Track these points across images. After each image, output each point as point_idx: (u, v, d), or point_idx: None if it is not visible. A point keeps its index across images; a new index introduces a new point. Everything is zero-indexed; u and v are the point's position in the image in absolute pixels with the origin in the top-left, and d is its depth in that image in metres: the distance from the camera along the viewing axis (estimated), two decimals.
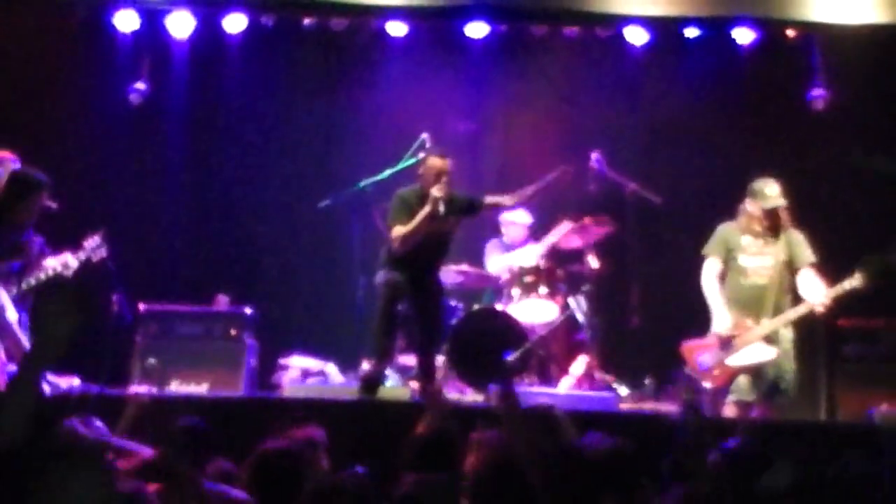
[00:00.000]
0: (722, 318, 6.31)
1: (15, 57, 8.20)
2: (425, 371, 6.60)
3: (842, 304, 6.30)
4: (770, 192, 6.36)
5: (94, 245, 6.17)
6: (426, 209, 6.47)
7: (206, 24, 8.30)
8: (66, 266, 6.04)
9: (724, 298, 6.39)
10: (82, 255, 6.14)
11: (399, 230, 6.51)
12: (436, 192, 6.49)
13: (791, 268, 6.38)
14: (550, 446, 4.14)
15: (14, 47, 8.20)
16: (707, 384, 6.35)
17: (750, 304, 6.36)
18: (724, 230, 6.52)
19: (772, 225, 6.39)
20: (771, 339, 6.28)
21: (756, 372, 6.28)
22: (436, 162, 6.62)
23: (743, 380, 6.28)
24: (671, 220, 8.19)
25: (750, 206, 6.41)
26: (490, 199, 6.99)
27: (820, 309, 6.19)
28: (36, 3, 8.15)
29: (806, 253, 6.39)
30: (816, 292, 6.21)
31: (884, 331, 7.19)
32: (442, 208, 6.50)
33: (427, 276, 6.66)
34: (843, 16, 7.93)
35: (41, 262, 6.13)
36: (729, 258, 6.46)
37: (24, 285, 6.02)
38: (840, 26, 7.97)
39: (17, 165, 6.61)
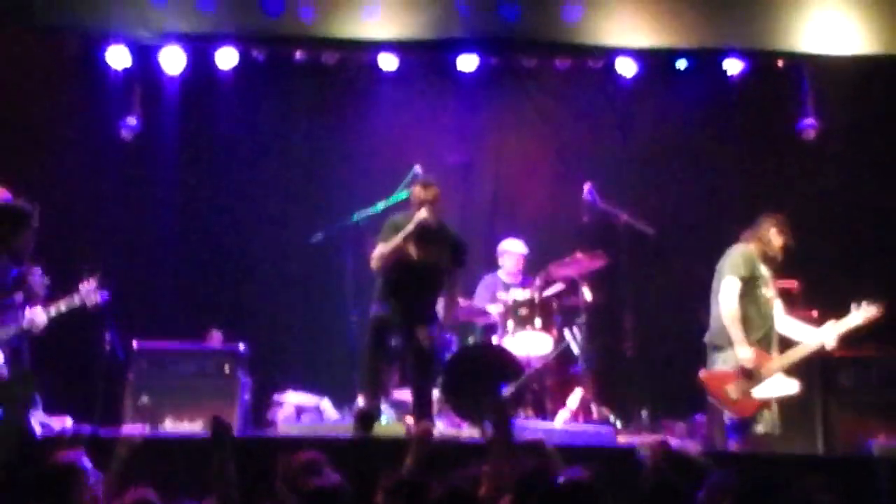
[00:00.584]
0: (745, 349, 6.21)
1: (6, 92, 8.18)
2: (420, 406, 6.54)
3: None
4: (786, 228, 6.40)
5: (88, 289, 6.12)
6: (409, 227, 6.43)
7: (198, 60, 8.30)
8: (32, 322, 6.00)
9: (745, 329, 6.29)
10: (76, 300, 6.10)
11: (380, 248, 6.48)
12: (421, 213, 6.46)
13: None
14: (539, 479, 4.14)
15: (5, 82, 8.19)
16: (732, 414, 6.28)
17: (763, 335, 6.33)
18: (747, 253, 6.39)
19: (776, 260, 6.41)
20: (790, 371, 6.27)
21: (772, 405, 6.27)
22: (419, 191, 6.62)
23: (768, 413, 6.24)
24: (664, 250, 8.19)
25: (775, 238, 6.38)
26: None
27: (832, 345, 6.24)
28: (28, 38, 8.12)
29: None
30: (813, 329, 6.24)
31: (876, 358, 7.19)
32: (426, 225, 6.43)
33: (418, 308, 6.60)
34: (831, 46, 7.97)
35: (42, 293, 6.11)
36: (751, 285, 6.35)
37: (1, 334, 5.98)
38: (828, 57, 8.03)
39: (8, 198, 6.59)
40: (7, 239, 6.07)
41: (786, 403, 6.37)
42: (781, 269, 6.49)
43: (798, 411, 6.70)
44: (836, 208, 8.38)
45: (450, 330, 7.73)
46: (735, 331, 6.22)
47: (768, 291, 6.38)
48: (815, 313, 6.81)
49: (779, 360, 6.23)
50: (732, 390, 6.21)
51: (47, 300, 6.09)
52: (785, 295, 6.76)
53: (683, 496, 3.77)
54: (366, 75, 8.62)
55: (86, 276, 6.12)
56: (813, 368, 6.93)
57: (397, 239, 6.44)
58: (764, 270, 6.39)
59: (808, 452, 6.81)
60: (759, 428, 6.22)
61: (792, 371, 6.35)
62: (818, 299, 6.91)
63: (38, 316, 6.00)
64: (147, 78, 8.38)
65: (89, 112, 8.45)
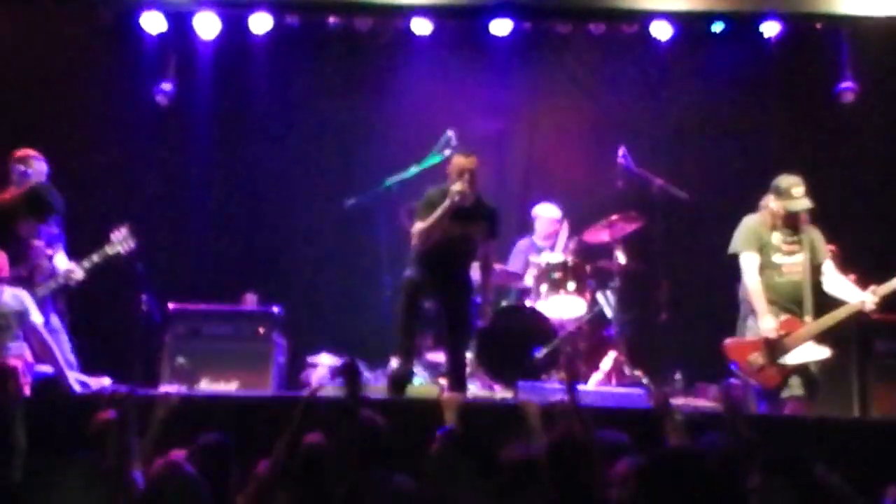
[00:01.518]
0: (768, 322, 6.20)
1: (43, 59, 8.28)
2: (454, 369, 6.57)
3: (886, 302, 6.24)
4: (797, 192, 6.24)
5: (121, 237, 6.22)
6: (445, 203, 6.41)
7: (232, 25, 8.32)
8: (70, 274, 6.13)
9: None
10: (109, 250, 6.20)
11: (419, 225, 6.47)
12: (456, 187, 6.43)
13: (813, 264, 6.33)
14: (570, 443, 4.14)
15: (42, 49, 8.28)
16: (756, 383, 6.25)
17: (789, 301, 6.28)
18: (753, 225, 6.39)
19: (791, 224, 6.32)
20: (821, 337, 6.23)
21: (805, 373, 6.23)
22: (460, 160, 6.58)
23: (794, 378, 6.22)
24: (699, 216, 8.14)
25: (774, 204, 6.31)
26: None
27: (871, 307, 6.14)
28: (63, 5, 8.19)
29: (822, 252, 6.34)
30: (860, 291, 6.16)
31: None
32: (464, 202, 6.41)
33: (453, 273, 6.60)
34: (871, 8, 7.85)
35: (49, 266, 6.22)
36: (762, 255, 6.33)
37: (39, 292, 6.09)
38: (868, 18, 7.90)
39: (42, 163, 6.68)
40: (20, 219, 6.17)
41: (822, 369, 6.32)
42: (797, 228, 6.33)
43: (834, 377, 6.65)
44: (876, 171, 8.28)
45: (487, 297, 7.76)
46: (758, 302, 6.22)
47: (783, 258, 6.31)
48: (852, 277, 6.74)
49: (810, 326, 6.17)
50: (755, 359, 6.20)
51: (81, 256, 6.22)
52: None
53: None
54: (399, 40, 8.60)
55: (115, 225, 6.19)
56: (849, 334, 6.87)
57: (437, 215, 6.39)
58: (773, 237, 6.32)
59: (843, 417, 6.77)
60: (786, 392, 6.19)
61: (828, 337, 6.30)
62: (858, 263, 6.82)
63: (74, 270, 6.13)
64: (182, 43, 8.40)
65: (124, 78, 8.52)
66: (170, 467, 4.09)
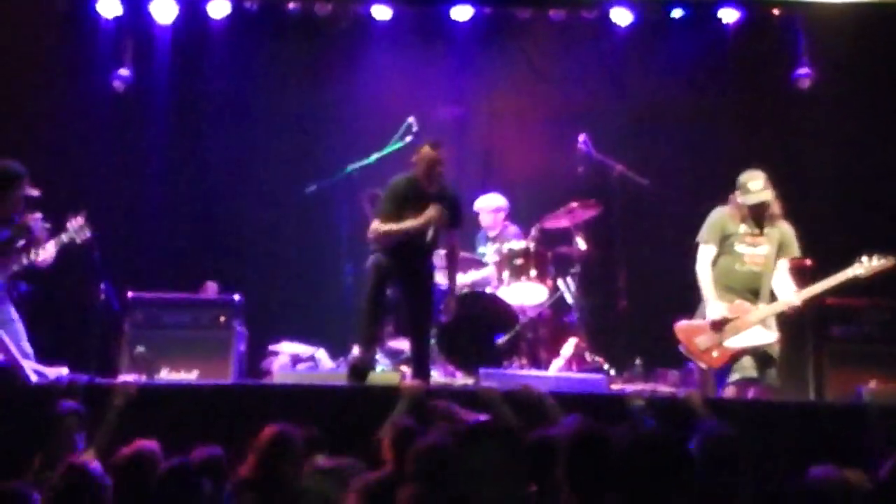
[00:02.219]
0: (715, 307, 6.35)
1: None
2: (418, 357, 6.56)
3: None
4: (753, 186, 6.38)
5: (76, 226, 6.13)
6: (418, 222, 6.35)
7: (190, 10, 8.25)
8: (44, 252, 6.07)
9: (718, 283, 6.41)
10: (65, 238, 6.12)
11: (381, 226, 6.37)
12: (433, 213, 6.35)
13: (777, 258, 6.43)
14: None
15: None
16: (703, 365, 6.41)
17: (746, 289, 6.42)
18: (720, 217, 6.51)
19: (757, 217, 6.42)
20: (766, 323, 6.35)
21: (756, 353, 6.33)
22: (429, 152, 6.54)
23: (747, 360, 6.33)
24: (658, 201, 8.19)
25: (738, 199, 6.44)
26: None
27: (796, 306, 6.26)
28: None
29: (791, 248, 6.45)
30: (791, 291, 6.30)
31: (869, 310, 7.21)
32: (431, 233, 6.39)
33: (416, 259, 6.58)
34: None
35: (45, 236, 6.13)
36: (725, 244, 6.45)
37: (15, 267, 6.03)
38: (824, 4, 7.98)
39: None
40: None
41: (779, 353, 6.42)
42: (762, 223, 6.43)
43: (790, 360, 6.74)
44: (833, 157, 8.37)
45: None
46: (706, 290, 6.40)
47: (746, 248, 6.43)
48: (808, 262, 6.82)
49: (756, 312, 6.31)
50: (702, 342, 6.36)
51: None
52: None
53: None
54: (359, 26, 8.57)
55: (72, 214, 6.11)
56: (805, 318, 6.96)
57: (399, 228, 6.34)
58: (741, 228, 6.44)
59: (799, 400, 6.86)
60: (735, 374, 6.30)
61: (781, 320, 6.41)
62: (814, 250, 6.91)
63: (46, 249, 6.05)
64: (138, 28, 8.33)
65: (81, 64, 8.42)
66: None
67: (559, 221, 7.79)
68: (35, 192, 6.21)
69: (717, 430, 4.16)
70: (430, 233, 6.40)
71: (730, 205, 6.50)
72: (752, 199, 6.37)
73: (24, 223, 6.11)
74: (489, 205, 8.11)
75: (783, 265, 6.43)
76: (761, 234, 6.44)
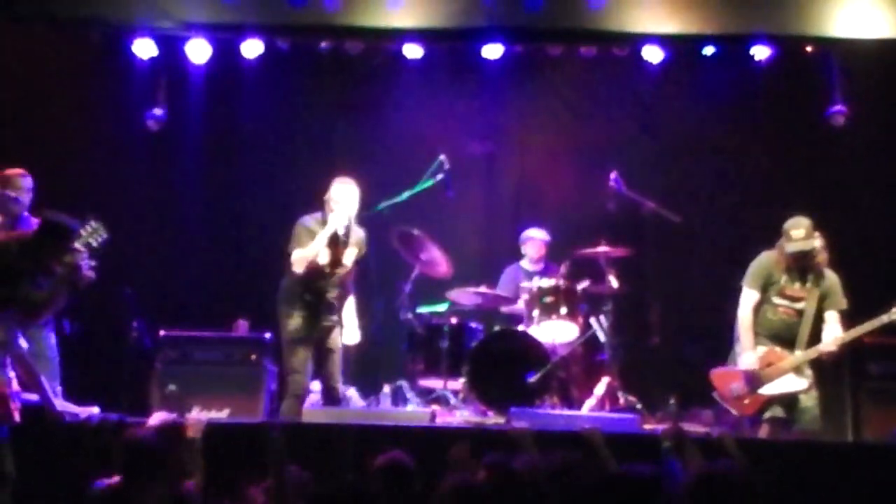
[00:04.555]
0: (748, 358, 6.33)
1: (36, 84, 8.26)
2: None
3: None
4: (796, 234, 6.33)
5: (89, 230, 6.06)
6: (324, 233, 6.62)
7: (223, 50, 8.31)
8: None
9: (755, 329, 6.41)
10: (80, 245, 6.05)
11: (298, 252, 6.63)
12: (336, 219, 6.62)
13: (822, 309, 6.38)
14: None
15: (35, 74, 8.26)
16: (735, 412, 6.46)
17: (779, 339, 6.42)
18: (765, 263, 6.48)
19: (799, 266, 6.36)
20: (800, 370, 6.30)
21: (787, 401, 6.28)
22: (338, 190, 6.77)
23: (776, 406, 6.32)
24: (690, 238, 8.14)
25: (785, 247, 6.38)
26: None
27: (827, 353, 6.24)
28: (56, 30, 8.18)
29: (835, 299, 6.38)
30: (829, 336, 6.27)
31: None
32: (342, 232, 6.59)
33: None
34: (861, 31, 7.85)
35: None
36: (766, 292, 6.45)
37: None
38: (857, 41, 7.90)
39: (27, 179, 6.60)
40: (50, 256, 6.03)
41: (816, 397, 6.37)
42: (806, 272, 6.38)
43: (828, 400, 6.66)
44: (867, 195, 8.28)
45: (476, 319, 7.74)
46: (744, 338, 6.41)
47: (783, 300, 6.39)
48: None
49: (790, 360, 6.28)
50: (735, 389, 6.40)
51: None
52: None
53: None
54: (390, 65, 8.60)
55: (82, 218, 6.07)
56: (842, 358, 6.87)
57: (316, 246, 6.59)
58: (783, 278, 6.41)
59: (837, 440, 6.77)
60: (767, 413, 6.32)
61: (817, 362, 6.36)
62: (851, 288, 6.82)
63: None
64: (173, 68, 8.40)
65: (116, 103, 8.51)
66: None
67: (590, 258, 7.74)
68: (82, 250, 6.21)
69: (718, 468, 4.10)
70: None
71: (776, 250, 6.45)
72: (792, 248, 6.32)
73: (70, 264, 6.10)
74: (541, 236, 8.09)
75: (832, 316, 6.36)
76: (803, 286, 6.39)
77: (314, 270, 6.70)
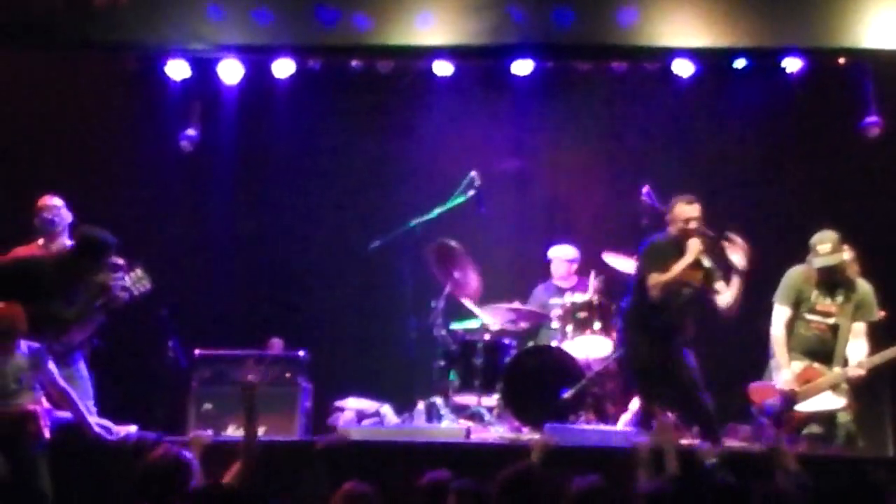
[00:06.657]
0: (786, 373, 6.27)
1: (68, 105, 8.37)
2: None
3: None
4: (822, 249, 6.29)
5: (135, 277, 6.15)
6: (687, 259, 6.47)
7: (256, 71, 8.37)
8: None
9: (789, 346, 6.39)
10: (120, 293, 6.13)
11: (656, 276, 6.48)
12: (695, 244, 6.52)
13: (854, 320, 6.32)
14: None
15: (68, 97, 8.37)
16: (774, 428, 6.36)
17: (814, 354, 6.35)
18: (796, 278, 6.44)
19: (827, 281, 6.31)
20: (837, 387, 6.23)
21: (824, 418, 6.23)
22: (685, 209, 6.65)
23: (814, 425, 6.27)
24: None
25: (814, 261, 6.34)
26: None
27: (859, 373, 6.18)
28: (88, 52, 8.28)
29: (868, 310, 6.33)
30: (857, 357, 6.22)
31: None
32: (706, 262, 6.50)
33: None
34: (894, 42, 7.79)
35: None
36: (798, 308, 6.42)
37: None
38: (891, 52, 7.83)
39: (59, 201, 6.71)
40: (89, 271, 6.11)
41: (857, 410, 6.30)
42: (835, 286, 6.32)
43: (868, 416, 6.60)
44: None
45: (510, 336, 7.73)
46: (779, 355, 6.38)
47: (814, 315, 6.34)
48: (882, 313, 6.66)
49: (828, 377, 6.21)
50: (772, 405, 6.38)
51: None
52: None
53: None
54: (421, 83, 8.64)
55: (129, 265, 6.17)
56: (882, 375, 6.80)
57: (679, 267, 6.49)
58: (813, 293, 6.36)
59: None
60: (806, 430, 6.29)
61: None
62: (886, 302, 6.75)
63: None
64: (206, 89, 8.47)
65: (149, 124, 8.59)
66: None
67: (624, 274, 7.71)
68: (120, 262, 6.29)
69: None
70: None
71: (805, 265, 6.40)
72: (819, 263, 6.28)
73: (102, 283, 6.18)
74: (566, 254, 8.09)
75: (860, 328, 6.30)
76: (833, 301, 6.33)
77: None
